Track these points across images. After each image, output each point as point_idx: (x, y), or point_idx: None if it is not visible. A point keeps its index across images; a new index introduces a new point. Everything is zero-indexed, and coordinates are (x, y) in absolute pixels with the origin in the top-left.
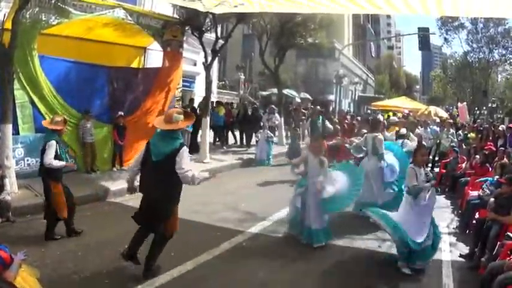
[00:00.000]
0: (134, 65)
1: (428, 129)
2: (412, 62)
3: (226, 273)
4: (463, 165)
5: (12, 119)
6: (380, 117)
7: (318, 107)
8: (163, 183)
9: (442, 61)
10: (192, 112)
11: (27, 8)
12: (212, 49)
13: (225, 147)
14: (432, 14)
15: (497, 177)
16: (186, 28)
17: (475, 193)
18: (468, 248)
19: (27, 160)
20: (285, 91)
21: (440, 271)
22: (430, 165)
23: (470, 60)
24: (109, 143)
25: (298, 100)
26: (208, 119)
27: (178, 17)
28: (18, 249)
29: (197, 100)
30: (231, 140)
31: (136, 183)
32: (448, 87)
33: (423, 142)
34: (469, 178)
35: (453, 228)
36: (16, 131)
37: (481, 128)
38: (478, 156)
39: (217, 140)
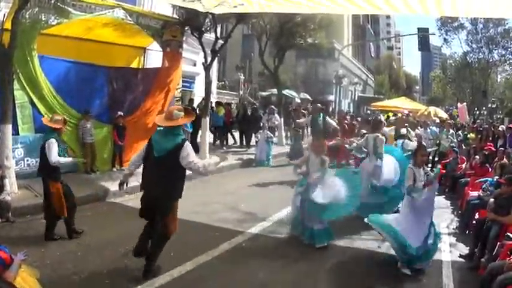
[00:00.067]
0: (134, 65)
1: (428, 130)
2: (411, 63)
3: (226, 274)
4: (463, 165)
5: (12, 119)
6: (381, 117)
7: (319, 104)
8: (164, 179)
9: (442, 61)
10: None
11: (27, 8)
12: (212, 49)
13: (224, 148)
14: (432, 14)
15: (497, 177)
16: (186, 28)
17: (474, 193)
18: (468, 248)
19: (27, 160)
20: (285, 91)
21: (440, 271)
22: (430, 165)
23: (470, 61)
24: (109, 144)
25: (298, 100)
26: (208, 119)
27: (177, 17)
28: (18, 250)
29: (197, 100)
30: (230, 141)
31: (136, 183)
32: (448, 87)
33: (423, 142)
34: (468, 178)
35: (453, 228)
36: (16, 131)
37: (481, 129)
38: (477, 157)
39: (217, 139)
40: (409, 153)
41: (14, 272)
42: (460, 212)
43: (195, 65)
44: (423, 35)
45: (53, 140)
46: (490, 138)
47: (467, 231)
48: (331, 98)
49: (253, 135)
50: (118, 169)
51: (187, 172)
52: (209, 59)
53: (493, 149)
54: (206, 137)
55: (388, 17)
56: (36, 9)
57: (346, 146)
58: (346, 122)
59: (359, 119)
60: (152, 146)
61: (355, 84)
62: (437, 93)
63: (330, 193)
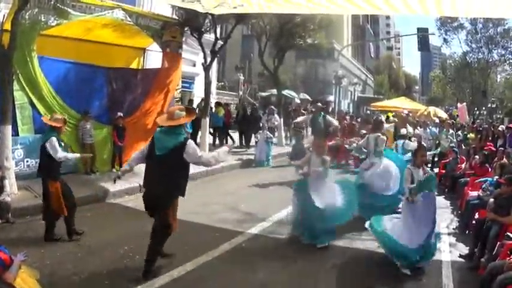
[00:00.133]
0: (133, 66)
1: (428, 130)
2: (411, 63)
3: (226, 274)
4: (463, 165)
5: (11, 120)
6: (382, 118)
7: (319, 103)
8: (166, 178)
9: (442, 61)
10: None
11: (27, 9)
12: (211, 50)
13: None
14: (431, 14)
15: (496, 177)
16: (185, 29)
17: (474, 193)
18: (468, 248)
19: (27, 161)
20: (285, 92)
21: (440, 271)
22: (429, 165)
23: (470, 61)
24: (108, 144)
25: (298, 101)
26: (207, 119)
27: (177, 18)
28: (18, 251)
29: (196, 101)
30: (230, 142)
31: (136, 184)
32: (448, 87)
33: (422, 142)
34: (468, 178)
35: (453, 228)
36: (15, 132)
37: (481, 129)
38: (477, 157)
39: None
40: (410, 154)
41: (13, 272)
42: (459, 212)
43: (194, 65)
44: (423, 35)
45: (53, 138)
46: (490, 138)
47: (467, 231)
48: (331, 98)
49: (253, 135)
50: (118, 170)
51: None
52: (209, 59)
53: (493, 148)
54: (206, 137)
55: (387, 17)
56: (36, 10)
57: (346, 146)
58: (345, 122)
59: (359, 119)
60: (154, 145)
61: (354, 84)
62: (436, 93)
63: (328, 200)
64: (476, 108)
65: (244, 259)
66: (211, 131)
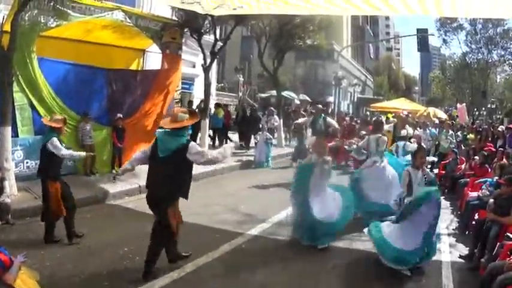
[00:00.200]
0: (133, 67)
1: (427, 131)
2: (410, 64)
3: (226, 275)
4: (462, 166)
5: (11, 122)
6: (382, 119)
7: (320, 105)
8: (169, 179)
9: (441, 62)
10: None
11: (26, 11)
12: (211, 51)
13: None
14: (431, 15)
15: (496, 178)
16: (185, 30)
17: (474, 194)
18: (468, 249)
19: (27, 162)
20: (284, 93)
21: (440, 272)
22: (429, 166)
23: (469, 61)
24: (108, 146)
25: (297, 102)
26: (207, 121)
27: (177, 19)
28: (18, 252)
29: (196, 102)
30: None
31: (136, 185)
32: (447, 88)
33: (422, 143)
34: (468, 179)
35: (453, 229)
36: (15, 134)
37: (480, 129)
38: (477, 157)
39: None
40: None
41: (13, 274)
42: (459, 212)
43: (194, 66)
44: (422, 36)
45: (54, 138)
46: (490, 139)
47: (466, 232)
48: (331, 99)
49: (252, 136)
50: (117, 171)
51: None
52: (208, 60)
53: (493, 149)
54: (205, 138)
55: (387, 18)
56: (36, 11)
57: (346, 147)
58: (345, 123)
59: (358, 120)
60: (157, 146)
61: (354, 85)
62: (436, 94)
63: (327, 209)
64: (475, 109)
65: (244, 260)
66: (211, 133)
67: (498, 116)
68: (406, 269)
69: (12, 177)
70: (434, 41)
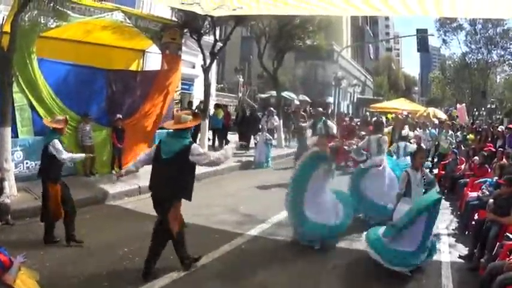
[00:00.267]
0: (133, 67)
1: (427, 131)
2: (410, 64)
3: (226, 276)
4: (462, 166)
5: (11, 122)
6: (383, 119)
7: (320, 108)
8: (172, 181)
9: (441, 62)
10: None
11: (26, 11)
12: (211, 52)
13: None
14: (431, 15)
15: (496, 178)
16: (185, 31)
17: (474, 194)
18: (467, 249)
19: (26, 163)
20: (284, 93)
21: (440, 272)
22: (429, 166)
23: (469, 62)
24: (108, 146)
25: (297, 102)
26: (207, 121)
27: (176, 20)
28: (18, 252)
29: (196, 103)
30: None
31: (135, 186)
32: (447, 88)
33: (422, 144)
34: (468, 179)
35: (452, 229)
36: (15, 134)
37: (480, 129)
38: (477, 158)
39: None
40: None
41: (13, 274)
42: (459, 212)
43: (194, 67)
44: (422, 36)
45: (56, 140)
46: (489, 139)
47: (466, 232)
48: (330, 99)
49: (252, 137)
50: (117, 172)
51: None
52: (208, 61)
53: (493, 149)
54: (205, 139)
55: (387, 18)
56: (36, 12)
57: (345, 147)
58: (344, 123)
59: (357, 120)
60: (161, 148)
61: (354, 85)
62: (436, 94)
63: (325, 212)
64: (475, 109)
65: (243, 261)
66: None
67: (498, 116)
68: (406, 269)
69: (12, 177)
70: (434, 41)
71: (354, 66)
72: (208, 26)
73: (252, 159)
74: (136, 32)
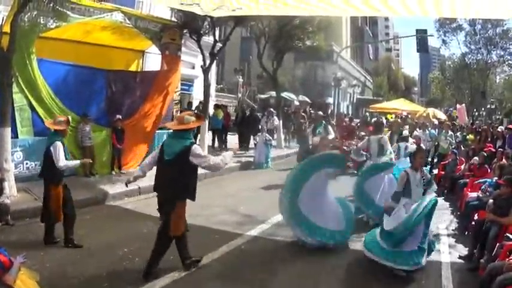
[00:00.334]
0: (132, 68)
1: (427, 132)
2: (410, 64)
3: (226, 276)
4: (462, 166)
5: (10, 122)
6: (383, 120)
7: (320, 112)
8: (173, 182)
9: (441, 63)
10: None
11: (26, 12)
12: (210, 52)
13: (224, 151)
14: (430, 15)
15: (496, 178)
16: (184, 31)
17: (474, 194)
18: (467, 249)
19: (26, 163)
20: (283, 94)
21: (440, 273)
22: (428, 167)
23: (469, 62)
24: (108, 147)
25: (297, 103)
26: (206, 122)
27: (176, 21)
28: (18, 253)
29: (195, 103)
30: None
31: (135, 186)
32: (447, 89)
33: (421, 144)
34: (467, 180)
35: (452, 229)
36: (15, 135)
37: (480, 130)
38: (476, 158)
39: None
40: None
41: (13, 275)
42: (459, 213)
43: (193, 67)
44: (421, 37)
45: (58, 143)
46: (489, 139)
47: (466, 232)
48: (330, 100)
49: (252, 137)
50: (117, 172)
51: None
52: (208, 61)
53: (493, 149)
54: (205, 140)
55: (386, 19)
56: (35, 12)
57: (345, 148)
58: (344, 123)
59: (357, 121)
60: (163, 150)
61: (353, 86)
62: (436, 94)
63: (323, 215)
64: (475, 110)
65: (243, 261)
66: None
67: (497, 117)
68: (402, 270)
69: (11, 178)
70: (433, 41)
71: (353, 66)
72: (207, 26)
73: (251, 159)
74: (135, 33)
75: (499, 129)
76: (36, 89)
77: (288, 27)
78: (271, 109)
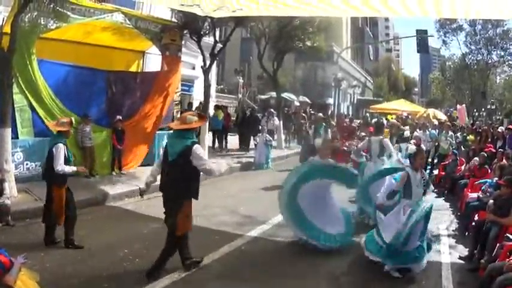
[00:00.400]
0: (133, 69)
1: (427, 132)
2: (410, 65)
3: (226, 277)
4: (462, 167)
5: (11, 123)
6: (384, 120)
7: (321, 114)
8: (176, 182)
9: (441, 63)
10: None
11: (26, 12)
12: (210, 53)
13: (224, 151)
14: (430, 15)
15: (496, 179)
16: (185, 32)
17: (474, 195)
18: (467, 249)
19: (27, 164)
20: (284, 95)
21: (440, 273)
22: (429, 167)
23: (469, 62)
24: (108, 147)
25: (297, 104)
26: (206, 123)
27: (176, 21)
28: (18, 253)
29: (195, 104)
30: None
31: (135, 187)
32: (447, 89)
33: (422, 145)
34: (468, 180)
35: (452, 230)
36: (15, 135)
37: (480, 130)
38: (477, 158)
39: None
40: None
41: (13, 275)
42: (459, 213)
43: (194, 68)
44: (422, 37)
45: (60, 145)
46: (489, 140)
47: (466, 233)
48: (330, 101)
49: (252, 138)
50: (117, 173)
51: None
52: (208, 62)
53: (493, 150)
54: (205, 140)
55: (386, 19)
56: (36, 13)
57: (345, 148)
58: (344, 124)
59: (357, 122)
60: (167, 152)
61: (354, 87)
62: (436, 95)
63: (324, 218)
64: (475, 110)
65: (243, 262)
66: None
67: (498, 117)
68: (395, 270)
69: (12, 178)
70: (433, 42)
71: (353, 67)
72: (208, 27)
73: (252, 160)
74: (136, 33)
75: (499, 130)
76: (37, 90)
77: (288, 28)
78: (272, 110)
